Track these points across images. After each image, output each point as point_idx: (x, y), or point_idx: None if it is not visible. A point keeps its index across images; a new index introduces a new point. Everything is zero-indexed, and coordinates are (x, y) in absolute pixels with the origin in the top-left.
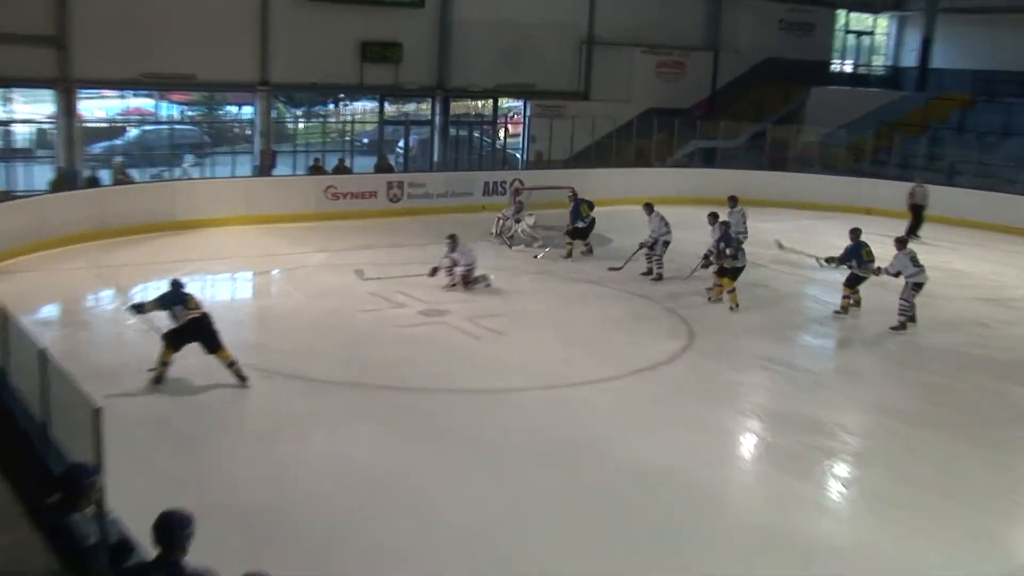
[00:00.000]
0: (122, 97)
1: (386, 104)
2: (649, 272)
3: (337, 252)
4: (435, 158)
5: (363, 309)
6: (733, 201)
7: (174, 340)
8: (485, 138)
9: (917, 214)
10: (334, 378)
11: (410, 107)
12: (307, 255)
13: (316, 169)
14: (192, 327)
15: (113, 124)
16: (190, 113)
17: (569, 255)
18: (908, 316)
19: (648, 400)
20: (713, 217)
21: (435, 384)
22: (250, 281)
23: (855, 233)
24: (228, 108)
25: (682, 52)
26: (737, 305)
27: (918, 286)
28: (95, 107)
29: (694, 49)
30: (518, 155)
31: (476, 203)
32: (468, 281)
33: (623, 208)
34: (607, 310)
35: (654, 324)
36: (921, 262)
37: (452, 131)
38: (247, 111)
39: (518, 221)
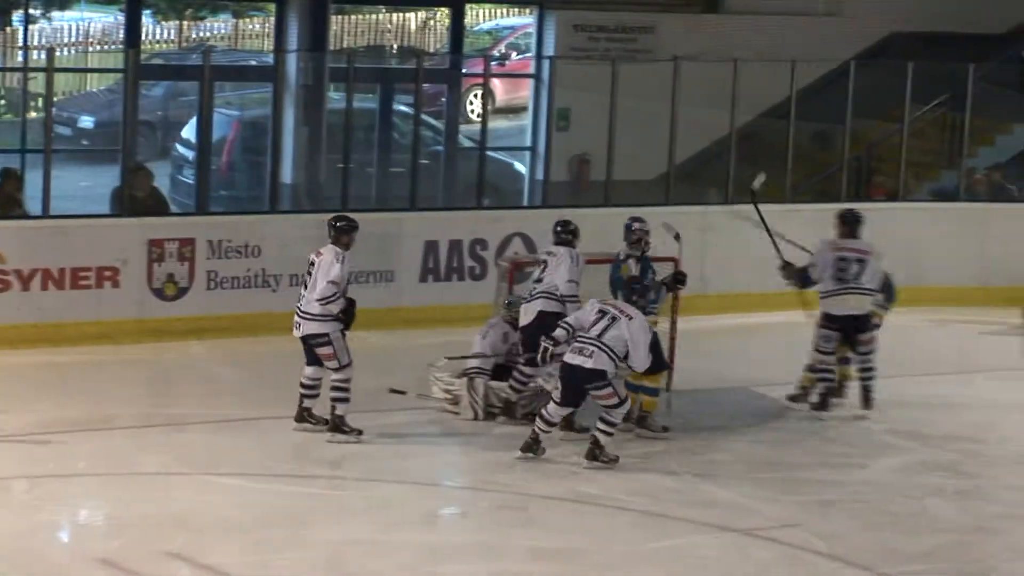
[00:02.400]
0: None
1: (147, 20)
2: None
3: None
4: (288, 175)
5: None
6: None
7: None
8: (431, 119)
9: None
10: None
11: (218, 27)
12: None
13: None
14: None
15: None
16: None
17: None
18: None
19: None
20: None
21: None
22: None
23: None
24: None
25: None
26: None
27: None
28: None
29: None
30: (520, 167)
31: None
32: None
33: None
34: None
35: None
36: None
37: (334, 97)
38: None
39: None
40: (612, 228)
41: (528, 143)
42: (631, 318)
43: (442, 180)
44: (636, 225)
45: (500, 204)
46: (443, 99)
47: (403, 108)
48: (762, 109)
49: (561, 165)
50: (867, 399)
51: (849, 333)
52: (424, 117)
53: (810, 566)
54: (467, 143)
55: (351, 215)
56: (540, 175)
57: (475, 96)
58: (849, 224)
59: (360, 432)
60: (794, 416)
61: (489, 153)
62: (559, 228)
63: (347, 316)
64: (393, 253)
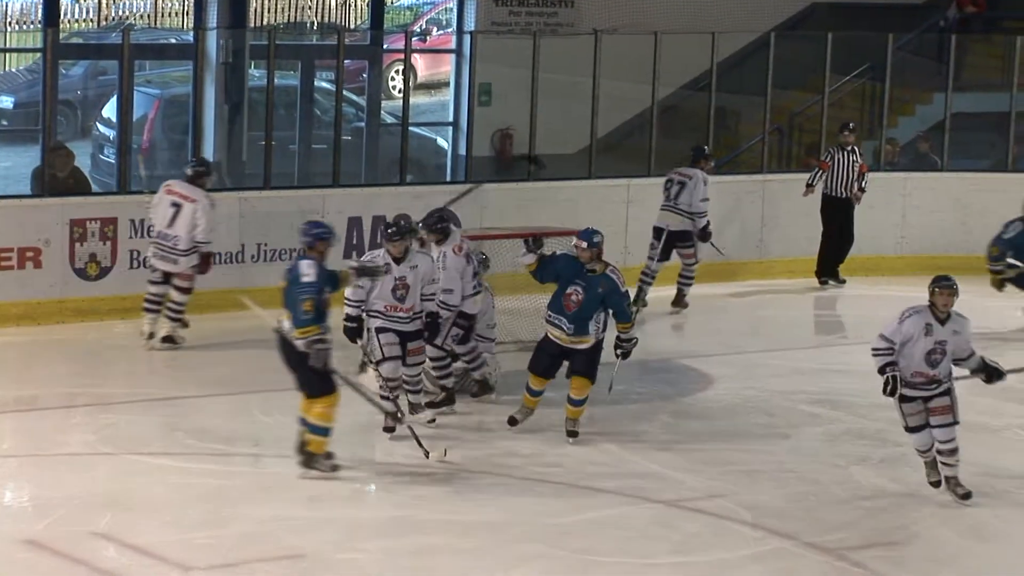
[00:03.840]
0: None
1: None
2: None
3: None
4: (209, 153)
5: None
6: None
7: None
8: (352, 95)
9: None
10: None
11: (137, 5)
12: None
13: None
14: None
15: None
16: None
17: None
18: None
19: None
20: None
21: None
22: None
23: None
24: None
25: None
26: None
27: None
28: None
29: None
30: (443, 142)
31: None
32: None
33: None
34: None
35: None
36: None
37: (255, 74)
38: None
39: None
40: (535, 202)
41: (450, 118)
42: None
43: (364, 156)
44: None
45: (423, 180)
46: (364, 75)
47: (324, 85)
48: (683, 81)
49: (484, 140)
50: (679, 299)
51: (667, 244)
52: (346, 93)
53: (736, 536)
54: (389, 119)
55: (401, 220)
56: (463, 150)
57: (396, 72)
58: (693, 153)
59: (398, 418)
60: (717, 387)
61: (411, 129)
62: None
63: (430, 328)
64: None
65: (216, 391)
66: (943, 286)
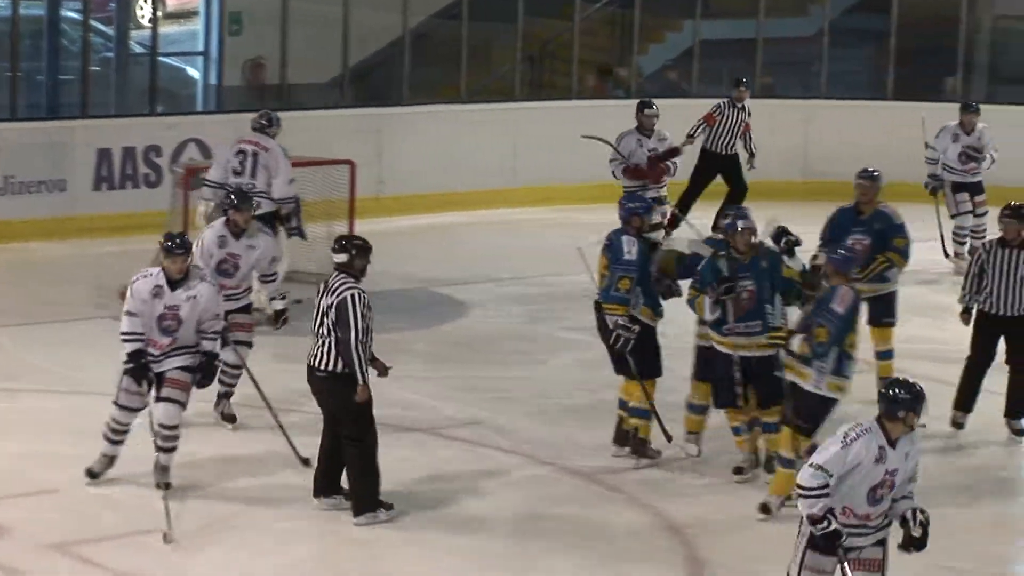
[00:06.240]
0: None
1: None
2: None
3: None
4: None
5: None
6: None
7: None
8: (100, 24)
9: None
10: None
11: None
12: None
13: None
14: None
15: None
16: None
17: None
18: None
19: None
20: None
21: None
22: None
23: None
24: None
25: None
26: None
27: None
28: None
29: None
30: (193, 72)
31: None
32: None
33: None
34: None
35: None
36: None
37: (0, 4)
38: None
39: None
40: (286, 132)
41: (201, 48)
42: None
43: (114, 87)
44: None
45: (174, 110)
46: (112, 4)
47: (71, 14)
48: (435, 10)
49: (235, 69)
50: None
51: None
52: (93, 23)
53: (493, 462)
54: (138, 49)
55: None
56: (214, 80)
57: (145, 1)
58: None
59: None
60: (474, 315)
61: (161, 59)
62: None
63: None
64: (65, 162)
65: None
66: (907, 398)
